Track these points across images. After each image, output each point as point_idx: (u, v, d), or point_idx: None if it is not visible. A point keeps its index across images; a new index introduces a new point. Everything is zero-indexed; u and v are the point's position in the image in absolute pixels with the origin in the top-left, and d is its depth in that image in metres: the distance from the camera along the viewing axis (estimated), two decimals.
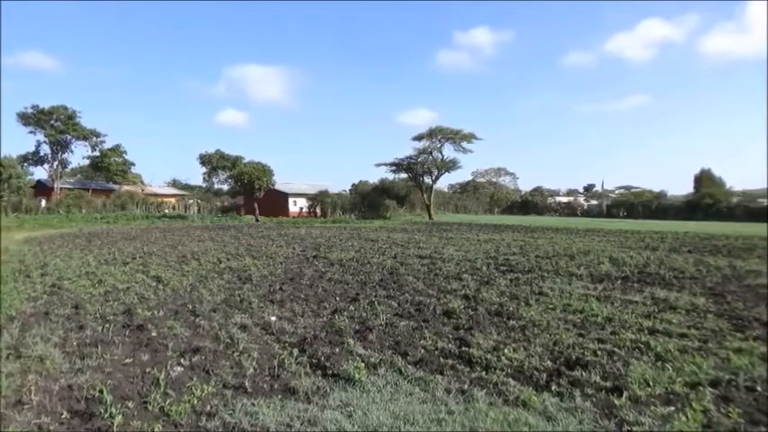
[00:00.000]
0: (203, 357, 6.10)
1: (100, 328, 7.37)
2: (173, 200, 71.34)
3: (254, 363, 5.88)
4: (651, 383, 5.29)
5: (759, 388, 5.20)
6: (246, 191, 53.20)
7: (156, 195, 69.20)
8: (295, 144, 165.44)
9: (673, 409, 4.65)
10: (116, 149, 68.94)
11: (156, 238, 26.45)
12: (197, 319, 8.00)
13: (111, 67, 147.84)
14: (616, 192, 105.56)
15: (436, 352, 6.44)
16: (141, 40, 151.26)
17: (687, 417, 4.43)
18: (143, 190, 69.65)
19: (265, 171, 51.48)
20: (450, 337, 7.13)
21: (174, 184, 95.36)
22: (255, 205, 52.59)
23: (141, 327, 7.50)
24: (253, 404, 4.75)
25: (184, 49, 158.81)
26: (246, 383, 5.23)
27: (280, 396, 4.96)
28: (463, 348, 6.53)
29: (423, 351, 6.46)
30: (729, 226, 44.40)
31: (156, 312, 8.51)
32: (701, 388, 5.16)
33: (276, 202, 61.81)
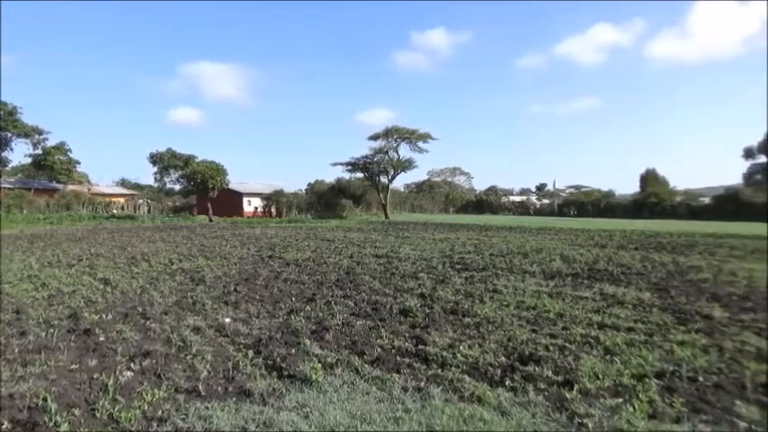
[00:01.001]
0: (154, 361, 5.93)
1: (43, 334, 7.07)
2: (121, 200, 69.14)
3: (207, 365, 5.76)
4: (600, 376, 5.46)
5: (701, 378, 5.45)
6: (199, 190, 52.06)
7: (103, 195, 66.87)
8: (250, 143, 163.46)
9: (621, 400, 4.82)
10: (60, 147, 66.28)
11: (103, 239, 25.55)
12: (147, 323, 7.78)
13: (54, 62, 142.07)
14: (567, 191, 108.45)
15: (393, 351, 6.47)
16: (88, 33, 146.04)
17: (634, 407, 4.60)
18: (89, 189, 67.08)
19: (219, 170, 50.51)
20: (407, 335, 7.17)
21: (123, 183, 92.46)
22: (209, 205, 51.58)
23: (88, 331, 7.23)
24: (206, 408, 4.65)
25: (135, 43, 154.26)
26: (200, 387, 5.12)
27: (234, 399, 4.88)
28: (419, 346, 6.58)
29: (379, 350, 6.47)
30: (673, 224, 46.40)
31: (103, 316, 8.22)
32: (646, 379, 5.37)
33: (230, 201, 60.79)
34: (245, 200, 64.48)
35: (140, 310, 8.71)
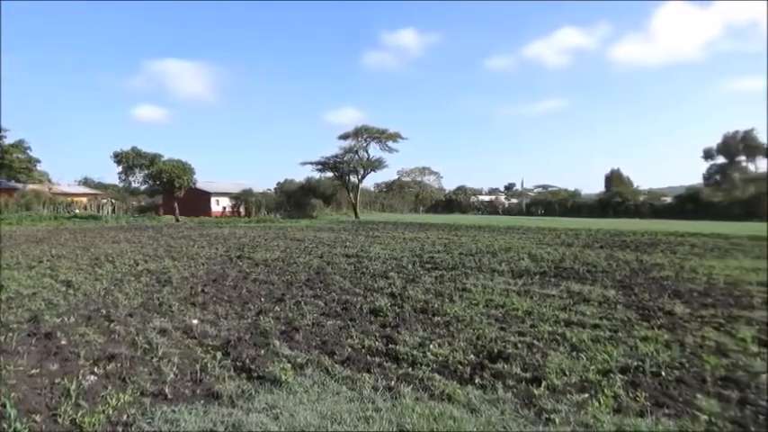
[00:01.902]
0: (119, 365, 5.79)
1: (2, 338, 6.82)
2: (84, 199, 67.28)
3: (174, 368, 5.66)
4: (567, 372, 5.56)
5: (663, 373, 5.59)
6: (166, 190, 51.07)
7: (65, 194, 64.91)
8: (218, 142, 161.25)
9: (587, 396, 4.91)
10: (19, 145, 64.22)
11: (65, 239, 24.84)
12: (112, 325, 7.59)
13: (12, 57, 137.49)
14: (534, 191, 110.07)
15: (363, 350, 6.46)
16: (47, 27, 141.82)
17: (600, 402, 4.69)
18: (50, 189, 65.08)
19: (186, 169, 49.62)
20: (377, 335, 7.18)
21: (86, 182, 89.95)
22: (175, 205, 50.61)
23: (49, 335, 7.02)
24: (173, 411, 4.56)
25: (97, 38, 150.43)
26: (166, 390, 5.03)
27: (202, 401, 4.80)
28: (390, 346, 6.59)
29: (350, 350, 6.46)
30: (637, 223, 47.60)
31: (66, 319, 7.99)
32: (611, 375, 5.49)
33: (198, 201, 59.80)
34: (212, 199, 63.52)
35: (104, 312, 8.50)
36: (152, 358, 6.03)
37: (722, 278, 12.53)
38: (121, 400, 4.73)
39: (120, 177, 52.86)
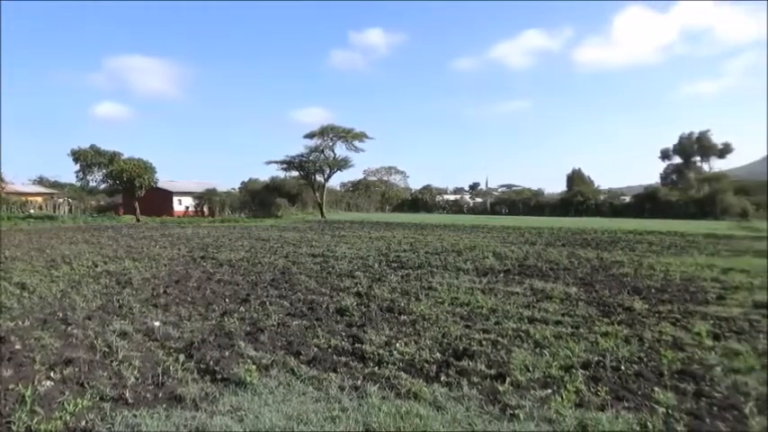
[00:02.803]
0: (77, 369, 5.61)
1: None
2: (39, 199, 64.99)
3: (135, 371, 5.51)
4: (531, 369, 5.66)
5: (623, 367, 5.74)
6: (126, 189, 49.80)
7: (19, 194, 62.59)
8: (181, 141, 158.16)
9: (550, 391, 5.01)
10: None
11: (19, 240, 23.95)
12: (69, 328, 7.36)
13: None
14: (499, 190, 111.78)
15: (329, 350, 6.44)
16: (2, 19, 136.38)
17: (562, 397, 4.79)
18: (3, 188, 62.62)
19: (147, 168, 48.46)
20: (344, 334, 7.16)
21: (41, 181, 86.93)
22: (136, 204, 49.38)
23: (2, 339, 6.75)
24: (134, 416, 4.45)
25: (55, 33, 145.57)
26: (127, 394, 4.90)
27: (165, 405, 4.70)
28: (356, 345, 6.58)
29: (316, 350, 6.42)
30: (597, 221, 48.76)
31: (20, 323, 7.70)
32: (573, 370, 5.60)
33: (159, 200, 58.52)
34: (175, 199, 62.28)
35: (61, 315, 8.23)
36: (112, 362, 5.87)
37: (678, 275, 12.94)
38: (80, 406, 4.59)
39: (77, 176, 51.28)
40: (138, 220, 47.38)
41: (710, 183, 65.14)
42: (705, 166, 78.35)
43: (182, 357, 6.00)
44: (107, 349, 6.33)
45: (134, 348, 6.43)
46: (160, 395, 4.95)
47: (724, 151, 77.41)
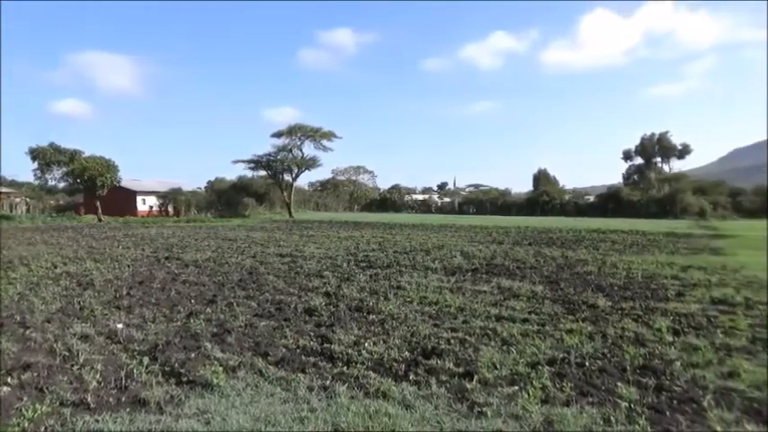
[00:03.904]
0: (35, 374, 5.44)
1: None
2: None
3: (97, 375, 5.37)
4: (498, 366, 5.73)
5: (587, 363, 5.87)
6: (87, 188, 48.48)
7: None
8: (145, 139, 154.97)
9: (516, 388, 5.08)
10: None
11: None
12: (27, 332, 7.13)
13: None
14: (467, 190, 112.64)
15: (298, 350, 6.40)
16: None
17: (528, 394, 4.86)
18: None
19: (109, 167, 47.26)
20: (312, 334, 7.13)
21: None
22: (98, 204, 48.09)
23: None
24: (96, 421, 4.34)
25: (12, 25, 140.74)
26: (89, 399, 4.77)
27: (128, 409, 4.59)
28: (325, 345, 6.56)
29: (284, 350, 6.38)
30: (562, 220, 49.65)
31: None
32: (539, 367, 5.70)
33: (122, 200, 57.17)
34: (138, 198, 60.91)
35: (18, 318, 7.97)
36: (72, 366, 5.71)
37: (640, 272, 13.28)
38: (39, 412, 4.44)
39: (35, 175, 49.63)
40: (99, 220, 46.16)
41: (670, 183, 67.09)
42: (665, 167, 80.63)
43: (146, 360, 5.87)
44: (67, 353, 6.15)
45: (96, 352, 6.27)
46: (123, 399, 4.84)
47: (683, 152, 79.76)
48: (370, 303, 9.15)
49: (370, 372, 5.56)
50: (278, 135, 59.92)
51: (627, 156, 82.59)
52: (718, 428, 4.21)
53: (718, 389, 5.09)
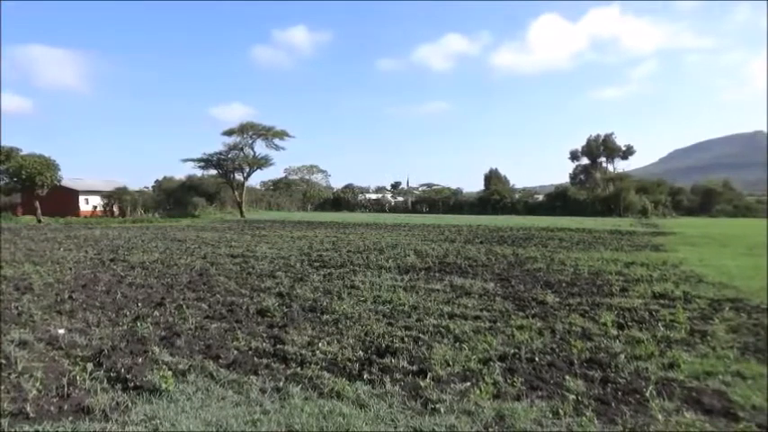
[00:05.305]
0: None
1: None
2: None
3: (37, 383, 5.12)
4: (451, 363, 5.81)
5: (537, 358, 6.02)
6: (25, 188, 46.24)
7: None
8: (89, 137, 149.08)
9: (469, 384, 5.16)
10: None
11: None
12: None
13: None
14: (419, 189, 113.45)
15: (250, 352, 6.30)
16: None
17: (481, 390, 4.94)
18: None
19: (49, 165, 45.24)
20: (265, 335, 7.04)
21: None
22: (37, 204, 45.97)
23: None
24: (36, 431, 4.15)
25: None
26: (28, 408, 4.55)
27: (71, 418, 4.41)
28: (278, 346, 6.49)
29: (236, 352, 6.27)
30: (513, 219, 50.72)
31: None
32: (491, 363, 5.81)
33: (64, 200, 54.78)
34: (81, 198, 58.49)
35: None
36: (10, 374, 5.43)
37: (587, 269, 13.72)
38: None
39: None
40: (39, 221, 44.11)
41: (615, 182, 69.45)
42: (610, 167, 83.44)
43: (90, 366, 5.63)
44: (4, 361, 5.86)
45: (36, 359, 5.99)
46: (66, 407, 4.64)
47: (627, 153, 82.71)
48: (324, 303, 9.10)
49: (325, 372, 5.54)
50: (229, 133, 58.74)
51: (574, 156, 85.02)
52: (660, 417, 4.39)
53: (659, 380, 5.32)
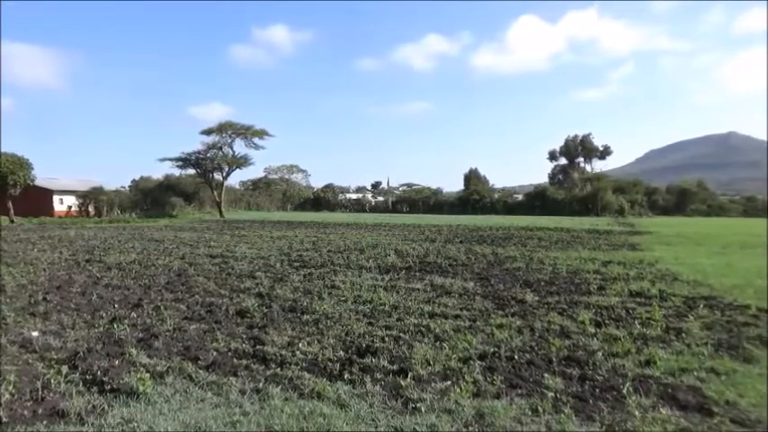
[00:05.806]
0: None
1: None
2: None
3: (10, 387, 5.00)
4: (431, 362, 5.82)
5: (516, 356, 6.07)
6: None
7: None
8: (64, 135, 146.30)
9: (449, 383, 5.18)
10: None
11: None
12: None
13: None
14: (400, 189, 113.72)
15: (229, 353, 6.24)
16: None
17: (461, 388, 4.96)
18: None
19: (22, 164, 44.30)
20: (244, 336, 6.98)
21: None
22: (10, 204, 44.98)
23: None
24: None
25: None
26: (1, 412, 4.44)
27: (45, 422, 4.32)
28: (258, 347, 6.44)
29: (215, 354, 6.20)
30: (492, 218, 51.12)
31: None
32: (471, 362, 5.85)
33: (37, 200, 53.67)
34: (56, 198, 57.39)
35: None
36: None
37: (565, 268, 13.88)
38: None
39: None
40: (12, 222, 43.18)
41: (592, 182, 70.47)
42: (588, 167, 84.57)
43: (65, 369, 5.53)
44: None
45: (8, 362, 5.86)
46: (40, 411, 4.55)
47: (604, 153, 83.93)
48: (304, 303, 9.06)
49: (305, 372, 5.51)
50: (208, 132, 58.11)
51: (552, 156, 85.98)
52: (637, 414, 4.45)
53: (636, 376, 5.40)
